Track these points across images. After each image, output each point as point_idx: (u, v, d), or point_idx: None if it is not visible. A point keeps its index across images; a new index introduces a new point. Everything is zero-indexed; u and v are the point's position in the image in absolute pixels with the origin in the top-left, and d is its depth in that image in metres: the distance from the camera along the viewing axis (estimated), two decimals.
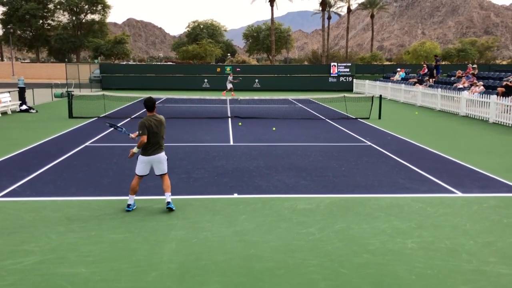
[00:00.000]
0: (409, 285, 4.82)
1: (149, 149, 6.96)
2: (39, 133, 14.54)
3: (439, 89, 23.18)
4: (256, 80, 39.44)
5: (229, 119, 18.68)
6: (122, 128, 7.57)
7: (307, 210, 7.23)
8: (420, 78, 29.57)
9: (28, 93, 22.96)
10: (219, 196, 7.91)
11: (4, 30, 78.81)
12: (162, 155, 7.11)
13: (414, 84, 28.13)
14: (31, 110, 21.14)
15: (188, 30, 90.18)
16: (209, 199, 7.73)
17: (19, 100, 21.61)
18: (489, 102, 18.48)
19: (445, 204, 7.58)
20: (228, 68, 39.46)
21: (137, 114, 19.86)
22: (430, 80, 28.03)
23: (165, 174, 7.17)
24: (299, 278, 4.96)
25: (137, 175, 7.10)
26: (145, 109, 7.06)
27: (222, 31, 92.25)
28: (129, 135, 7.29)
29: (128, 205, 7.09)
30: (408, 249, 5.73)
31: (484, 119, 18.84)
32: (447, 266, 5.27)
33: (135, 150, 7.04)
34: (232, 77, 32.87)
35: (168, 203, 7.06)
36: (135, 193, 7.10)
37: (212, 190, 8.24)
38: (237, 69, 39.47)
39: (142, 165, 7.04)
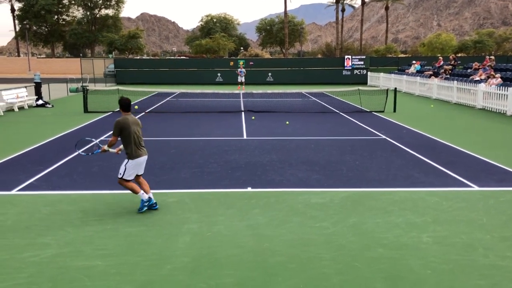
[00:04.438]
0: (423, 279, 4.78)
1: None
2: (54, 128, 14.74)
3: (455, 82, 22.83)
4: (269, 74, 39.33)
5: (242, 113, 18.68)
6: (96, 149, 7.03)
7: (320, 204, 7.20)
8: (435, 70, 29.15)
9: (44, 88, 23.29)
10: (232, 190, 7.93)
11: (20, 26, 80.00)
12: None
13: (430, 76, 27.74)
14: (47, 105, 21.43)
15: (201, 24, 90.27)
16: (222, 193, 7.75)
17: (35, 95, 21.93)
18: (507, 95, 18.14)
19: (461, 198, 7.48)
20: (241, 62, 39.42)
21: (151, 108, 19.99)
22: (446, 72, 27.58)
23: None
24: (311, 272, 4.95)
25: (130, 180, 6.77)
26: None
27: (235, 24, 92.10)
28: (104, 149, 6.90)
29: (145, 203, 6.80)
30: (423, 244, 5.68)
31: (502, 112, 18.51)
32: (463, 261, 5.21)
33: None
34: (241, 69, 32.96)
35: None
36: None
37: (225, 184, 8.26)
38: (250, 63, 39.38)
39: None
